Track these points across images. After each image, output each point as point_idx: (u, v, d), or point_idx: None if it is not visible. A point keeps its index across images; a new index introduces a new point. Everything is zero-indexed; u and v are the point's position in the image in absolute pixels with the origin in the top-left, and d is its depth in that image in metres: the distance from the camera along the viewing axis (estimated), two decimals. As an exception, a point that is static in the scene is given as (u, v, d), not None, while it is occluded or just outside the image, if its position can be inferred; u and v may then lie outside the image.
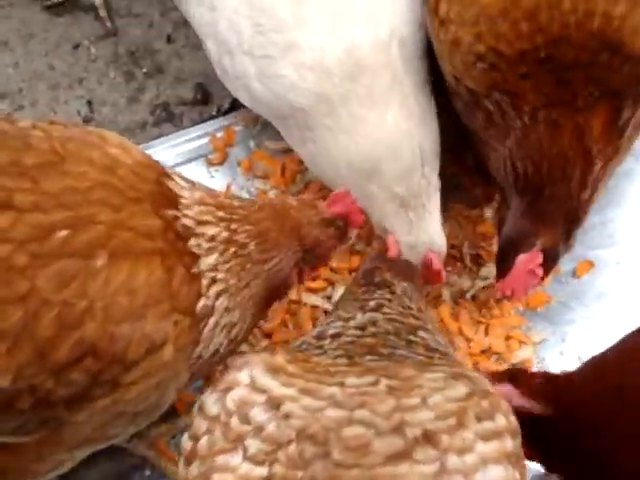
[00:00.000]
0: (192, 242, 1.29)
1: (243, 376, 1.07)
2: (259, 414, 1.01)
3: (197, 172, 1.85)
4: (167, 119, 2.02)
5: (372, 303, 1.29)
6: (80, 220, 1.19)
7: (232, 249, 1.34)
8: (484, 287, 1.73)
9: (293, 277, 1.46)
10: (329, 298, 1.72)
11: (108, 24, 2.10)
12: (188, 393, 1.59)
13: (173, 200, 1.31)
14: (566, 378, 1.33)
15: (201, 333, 1.30)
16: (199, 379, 1.43)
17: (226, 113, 1.97)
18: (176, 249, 1.26)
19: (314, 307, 1.72)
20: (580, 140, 1.40)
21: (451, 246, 1.72)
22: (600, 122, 1.41)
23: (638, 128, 1.49)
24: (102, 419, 1.25)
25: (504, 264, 1.45)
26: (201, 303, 1.28)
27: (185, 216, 1.30)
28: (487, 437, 0.99)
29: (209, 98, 2.04)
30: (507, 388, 1.27)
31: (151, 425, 1.45)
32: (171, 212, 1.29)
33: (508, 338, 1.71)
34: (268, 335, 1.70)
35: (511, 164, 1.44)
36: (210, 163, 1.89)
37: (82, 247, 1.18)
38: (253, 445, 0.98)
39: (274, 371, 1.06)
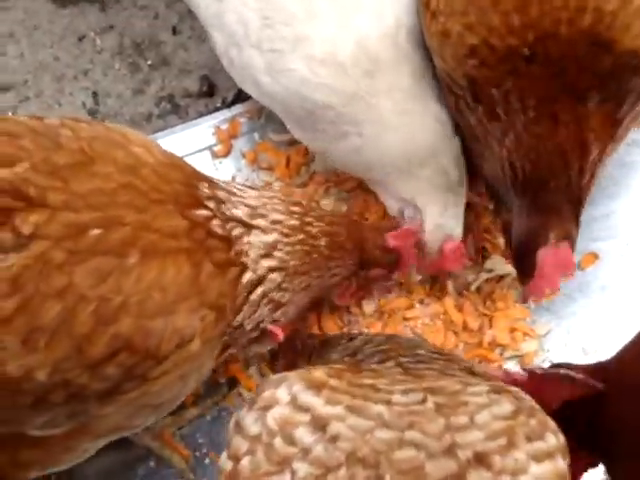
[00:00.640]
0: (234, 227, 1.36)
1: (282, 393, 1.03)
2: (305, 435, 0.98)
3: (202, 164, 1.85)
4: (172, 111, 2.02)
5: (356, 342, 1.33)
6: (109, 221, 1.22)
7: (300, 236, 1.44)
8: (488, 279, 1.73)
9: (342, 290, 1.62)
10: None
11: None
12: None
13: (200, 200, 1.34)
14: (617, 359, 1.30)
15: (246, 302, 1.36)
16: (234, 349, 1.46)
17: (231, 105, 1.97)
18: (204, 246, 1.30)
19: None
20: (578, 132, 1.39)
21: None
22: (600, 115, 1.41)
23: (636, 118, 1.49)
24: (128, 410, 1.28)
25: (525, 266, 1.44)
26: (246, 277, 1.35)
27: (222, 214, 1.36)
28: (539, 458, 0.98)
29: (214, 90, 2.04)
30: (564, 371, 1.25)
31: (157, 416, 1.47)
32: (199, 212, 1.32)
33: (513, 330, 1.71)
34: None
35: (509, 165, 1.44)
36: (215, 155, 1.89)
37: (115, 245, 1.21)
38: (302, 469, 0.96)
39: (316, 387, 1.03)
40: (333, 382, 1.04)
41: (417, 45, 1.58)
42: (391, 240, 1.60)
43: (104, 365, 1.19)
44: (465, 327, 1.71)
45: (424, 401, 1.00)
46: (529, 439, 0.98)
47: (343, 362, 1.20)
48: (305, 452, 0.96)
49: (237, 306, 1.36)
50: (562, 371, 1.23)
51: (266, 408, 1.02)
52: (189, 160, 1.75)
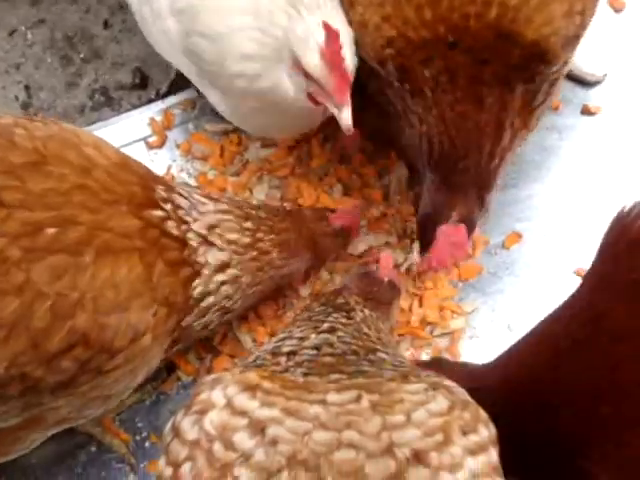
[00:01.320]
0: (191, 238, 1.42)
1: (217, 396, 1.03)
2: (244, 440, 0.97)
3: (137, 155, 1.86)
4: (106, 103, 2.04)
5: (325, 325, 1.30)
6: (64, 220, 1.25)
7: (253, 253, 1.51)
8: (415, 261, 1.79)
9: (299, 279, 1.70)
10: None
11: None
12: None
13: (155, 202, 1.39)
14: (480, 369, 1.37)
15: (197, 306, 1.43)
16: (182, 345, 1.51)
17: (164, 97, 1.99)
18: (157, 246, 1.35)
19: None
20: (498, 116, 1.46)
21: (384, 221, 1.80)
22: (520, 103, 1.48)
23: (544, 108, 1.57)
24: (79, 402, 1.31)
25: (425, 238, 1.51)
26: (198, 289, 1.42)
27: (178, 218, 1.41)
28: (474, 451, 1.00)
29: (147, 82, 2.07)
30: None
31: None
32: (154, 212, 1.37)
33: (441, 309, 1.77)
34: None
35: (427, 140, 1.49)
36: (150, 146, 1.91)
37: (71, 244, 1.24)
38: (244, 475, 0.95)
39: (250, 389, 1.03)
40: (266, 384, 1.04)
41: None
42: (336, 222, 1.67)
43: (60, 359, 1.22)
44: (396, 307, 1.76)
45: (359, 399, 1.01)
46: (464, 433, 1.00)
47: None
48: (246, 457, 0.96)
49: (188, 307, 1.41)
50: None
51: (203, 412, 1.02)
52: (124, 151, 1.78)
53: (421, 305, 1.77)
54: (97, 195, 1.30)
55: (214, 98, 1.72)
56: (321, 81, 1.45)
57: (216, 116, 1.80)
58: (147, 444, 1.66)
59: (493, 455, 1.02)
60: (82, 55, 2.09)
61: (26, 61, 2.07)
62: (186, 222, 1.42)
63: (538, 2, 1.42)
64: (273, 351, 1.22)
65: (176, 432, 1.03)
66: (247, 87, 1.56)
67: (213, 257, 1.44)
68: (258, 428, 0.98)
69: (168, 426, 1.05)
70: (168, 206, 1.40)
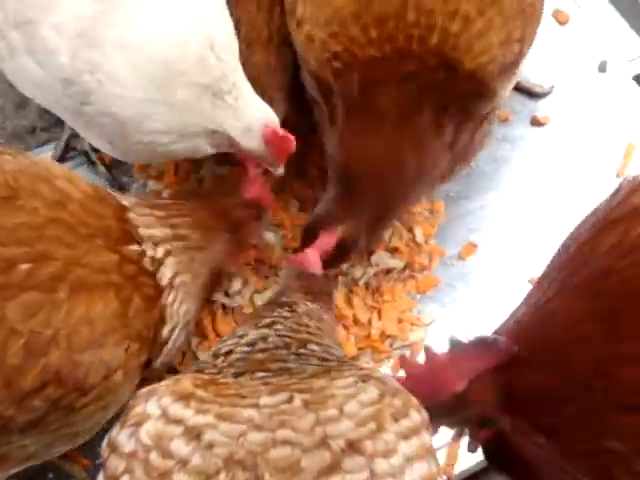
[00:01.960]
0: (148, 260, 1.38)
1: (152, 407, 1.04)
2: (181, 447, 0.99)
3: (89, 175, 1.86)
4: (56, 123, 2.01)
5: (266, 320, 1.32)
6: (38, 255, 1.23)
7: (180, 244, 1.44)
8: (375, 274, 1.80)
9: (229, 261, 1.61)
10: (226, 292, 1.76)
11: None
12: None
13: (129, 233, 1.37)
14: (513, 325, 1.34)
15: (166, 343, 1.41)
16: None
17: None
18: (133, 280, 1.34)
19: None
20: (414, 146, 1.49)
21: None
22: (431, 133, 1.50)
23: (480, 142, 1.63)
24: (47, 440, 1.29)
25: (306, 240, 1.55)
26: (166, 328, 1.40)
27: (145, 236, 1.39)
28: (407, 435, 1.02)
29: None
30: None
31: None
32: (130, 247, 1.35)
33: (400, 321, 1.78)
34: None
35: (339, 150, 1.52)
36: (105, 165, 1.90)
37: (45, 280, 1.22)
38: None
39: (184, 398, 1.05)
40: (200, 392, 1.06)
41: None
42: (247, 194, 1.59)
43: (32, 398, 1.19)
44: (355, 321, 1.77)
45: (291, 400, 1.04)
46: (395, 419, 1.03)
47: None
48: (183, 463, 0.97)
49: (157, 345, 1.39)
50: (490, 337, 1.27)
51: (138, 424, 1.03)
52: (77, 173, 1.76)
53: (380, 318, 1.78)
54: (73, 229, 1.28)
55: (96, 142, 1.56)
56: (260, 154, 1.47)
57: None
58: (107, 468, 1.63)
59: (426, 438, 1.05)
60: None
61: (-26, 83, 2.04)
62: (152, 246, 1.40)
63: (478, 30, 1.44)
64: (214, 352, 1.26)
65: (112, 447, 1.04)
66: (152, 150, 1.47)
67: (165, 277, 1.40)
68: (193, 434, 1.00)
69: (104, 442, 1.06)
70: (141, 238, 1.38)
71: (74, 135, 1.88)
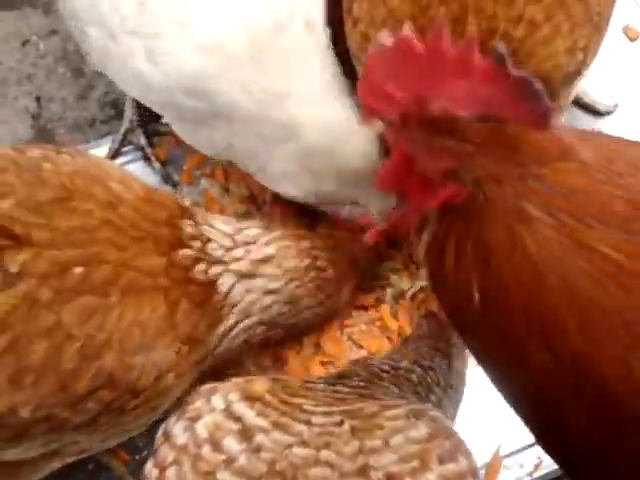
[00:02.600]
0: (223, 279, 1.39)
1: (217, 401, 1.08)
2: (233, 444, 1.02)
3: (144, 169, 1.88)
4: (116, 116, 2.03)
5: (426, 362, 1.36)
6: (90, 258, 1.24)
7: (312, 273, 1.50)
8: (422, 287, 1.79)
9: (345, 305, 1.68)
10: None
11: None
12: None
13: (182, 240, 1.37)
14: None
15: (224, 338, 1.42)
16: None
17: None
18: (182, 285, 1.34)
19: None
20: None
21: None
22: None
23: None
24: (100, 437, 1.32)
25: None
26: (222, 328, 1.40)
27: (207, 255, 1.39)
28: (449, 479, 1.01)
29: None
30: None
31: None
32: (181, 252, 1.35)
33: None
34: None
35: None
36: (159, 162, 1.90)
37: (98, 284, 1.24)
38: (225, 479, 0.99)
39: (251, 399, 1.08)
40: (268, 397, 1.09)
41: (319, 43, 1.54)
42: (369, 240, 1.55)
43: (86, 400, 1.21)
44: (400, 333, 1.76)
45: (341, 423, 1.05)
46: (441, 461, 1.02)
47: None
48: (230, 461, 1.00)
49: (212, 342, 1.40)
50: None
51: (195, 418, 1.06)
52: (132, 167, 1.76)
53: (426, 332, 1.76)
54: (124, 232, 1.29)
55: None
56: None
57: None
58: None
59: None
60: (93, 67, 2.09)
61: (37, 72, 2.07)
62: (221, 261, 1.40)
63: (543, 36, 1.41)
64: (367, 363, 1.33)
65: (166, 436, 1.07)
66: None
67: (247, 291, 1.42)
68: (247, 435, 1.03)
69: (160, 430, 1.10)
70: (197, 243, 1.38)
71: (131, 129, 1.90)
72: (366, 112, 1.05)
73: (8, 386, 1.16)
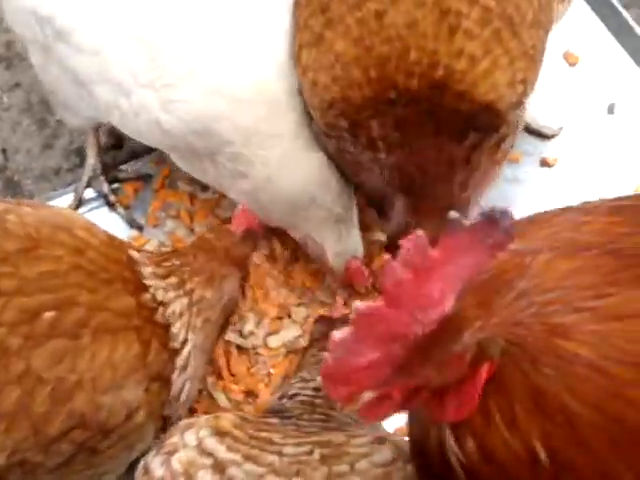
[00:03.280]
0: (160, 312, 1.42)
1: (190, 437, 1.14)
2: (206, 477, 1.09)
3: (109, 215, 1.93)
4: (80, 164, 2.08)
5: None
6: (62, 302, 1.29)
7: (195, 308, 1.47)
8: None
9: (239, 296, 1.65)
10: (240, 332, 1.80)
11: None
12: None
13: (139, 279, 1.42)
14: None
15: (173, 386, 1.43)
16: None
17: (139, 157, 2.04)
18: (150, 324, 1.39)
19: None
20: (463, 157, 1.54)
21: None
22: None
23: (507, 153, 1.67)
24: (73, 479, 1.34)
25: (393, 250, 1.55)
26: (175, 374, 1.42)
27: (154, 289, 1.42)
28: None
29: (122, 142, 2.11)
30: None
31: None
32: (142, 290, 1.40)
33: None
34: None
35: (398, 170, 1.54)
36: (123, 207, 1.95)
37: (69, 327, 1.27)
38: None
39: (220, 435, 1.14)
40: (236, 432, 1.16)
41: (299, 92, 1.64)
42: (237, 227, 1.67)
43: (59, 442, 1.25)
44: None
45: (311, 452, 1.13)
46: None
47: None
48: None
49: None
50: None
51: (172, 452, 1.13)
52: (99, 212, 1.80)
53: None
54: (94, 275, 1.34)
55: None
56: (331, 271, 1.78)
57: (189, 175, 1.83)
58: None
59: None
60: (57, 117, 2.14)
61: (2, 124, 2.13)
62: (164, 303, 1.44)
63: (483, 70, 1.49)
64: (282, 394, 1.37)
65: (145, 470, 1.14)
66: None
67: (175, 327, 1.44)
68: (220, 469, 1.09)
69: (140, 465, 1.17)
70: (152, 289, 1.43)
71: (94, 177, 1.96)
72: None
73: None
